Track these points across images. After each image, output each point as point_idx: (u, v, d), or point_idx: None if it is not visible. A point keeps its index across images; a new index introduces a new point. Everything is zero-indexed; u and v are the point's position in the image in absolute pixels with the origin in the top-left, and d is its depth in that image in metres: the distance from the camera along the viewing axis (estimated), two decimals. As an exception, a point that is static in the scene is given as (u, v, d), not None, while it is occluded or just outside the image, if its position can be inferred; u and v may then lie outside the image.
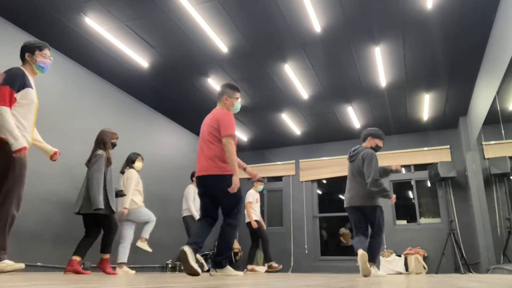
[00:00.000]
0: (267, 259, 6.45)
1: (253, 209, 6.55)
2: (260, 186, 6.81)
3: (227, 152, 3.29)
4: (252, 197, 6.62)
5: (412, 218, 8.09)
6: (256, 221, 6.46)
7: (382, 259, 7.31)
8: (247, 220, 6.55)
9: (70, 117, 5.28)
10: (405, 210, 8.31)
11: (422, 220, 7.98)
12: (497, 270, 5.74)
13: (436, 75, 6.06)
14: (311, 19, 4.75)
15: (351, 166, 4.42)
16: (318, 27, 4.87)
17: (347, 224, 10.12)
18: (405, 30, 4.95)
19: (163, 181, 7.01)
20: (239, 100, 3.68)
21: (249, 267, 6.47)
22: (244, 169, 3.75)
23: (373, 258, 4.23)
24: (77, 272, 3.83)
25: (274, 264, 6.44)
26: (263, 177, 9.55)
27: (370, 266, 4.22)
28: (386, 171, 4.48)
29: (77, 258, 3.89)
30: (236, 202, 3.34)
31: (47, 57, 3.08)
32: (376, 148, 4.44)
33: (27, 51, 3.02)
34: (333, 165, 8.91)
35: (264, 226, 6.70)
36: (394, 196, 4.20)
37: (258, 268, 6.75)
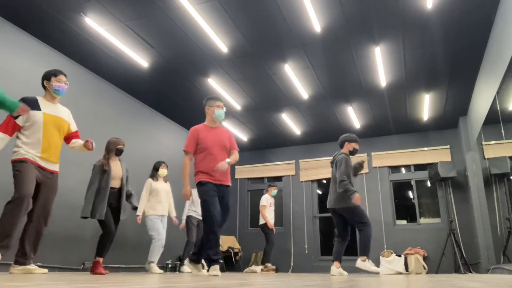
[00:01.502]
0: (265, 260, 6.74)
1: (267, 212, 6.88)
2: (274, 191, 7.15)
3: (183, 162, 3.72)
4: (266, 201, 6.98)
5: (412, 218, 8.09)
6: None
7: (382, 259, 7.32)
8: (261, 222, 6.88)
9: (70, 117, 5.28)
10: (405, 210, 8.30)
11: (422, 220, 7.98)
12: (497, 270, 5.74)
13: (436, 75, 6.06)
14: (311, 19, 4.75)
15: (332, 170, 4.81)
16: (318, 27, 4.87)
17: None
18: (405, 30, 4.95)
19: (163, 181, 7.01)
20: (222, 108, 3.87)
21: (268, 265, 6.77)
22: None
23: (365, 252, 4.42)
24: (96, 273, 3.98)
25: (270, 265, 6.75)
26: (264, 177, 9.56)
27: (364, 260, 4.41)
28: (359, 166, 4.73)
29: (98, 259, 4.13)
30: (202, 207, 3.59)
31: (62, 81, 3.47)
32: (354, 152, 4.81)
33: (45, 79, 3.46)
34: (333, 165, 8.90)
35: (274, 231, 6.98)
36: (357, 195, 4.45)
37: (255, 267, 6.80)
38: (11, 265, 3.22)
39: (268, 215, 6.86)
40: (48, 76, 3.45)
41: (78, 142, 3.70)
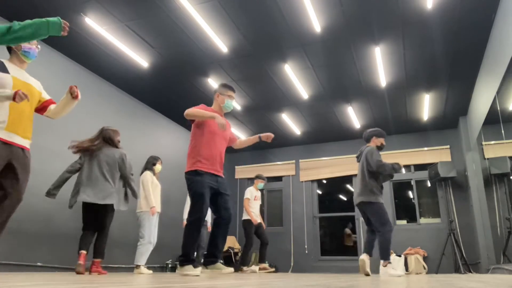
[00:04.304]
0: (261, 260, 6.44)
1: (250, 207, 6.41)
2: (261, 184, 6.64)
3: (191, 112, 3.36)
4: (250, 194, 6.49)
5: (412, 218, 8.09)
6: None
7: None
8: (244, 217, 6.41)
9: (70, 117, 5.28)
10: (405, 210, 8.30)
11: (422, 220, 7.97)
12: (497, 270, 5.74)
13: (436, 75, 6.06)
14: (311, 19, 4.75)
15: (359, 165, 4.64)
16: (318, 27, 4.87)
17: (349, 224, 10.08)
18: (405, 30, 4.95)
19: (163, 181, 6.99)
20: (233, 99, 3.69)
21: (261, 265, 6.44)
22: (259, 138, 3.74)
23: (383, 256, 4.24)
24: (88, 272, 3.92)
25: (267, 266, 6.48)
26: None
27: (386, 266, 4.22)
28: (394, 169, 4.39)
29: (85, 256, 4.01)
30: (193, 199, 3.35)
31: (33, 43, 2.97)
32: (381, 147, 4.63)
33: None
34: (333, 165, 8.91)
35: (264, 227, 6.57)
36: (400, 163, 4.33)
37: (255, 267, 6.73)
38: None
39: (251, 210, 6.34)
40: None
41: (57, 104, 3.18)
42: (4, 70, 2.81)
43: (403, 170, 4.46)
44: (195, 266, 3.35)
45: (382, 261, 4.25)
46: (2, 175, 2.76)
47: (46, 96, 3.16)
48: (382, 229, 4.23)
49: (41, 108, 3.15)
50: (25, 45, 2.91)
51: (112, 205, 4.12)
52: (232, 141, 3.81)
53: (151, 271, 5.12)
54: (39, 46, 3.06)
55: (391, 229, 4.24)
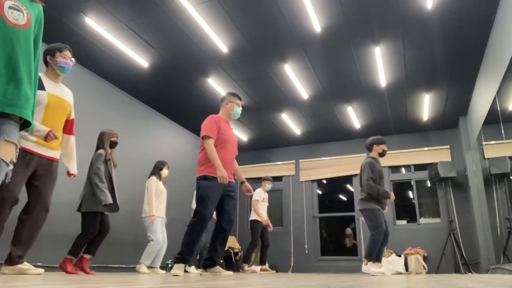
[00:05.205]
0: (262, 262, 6.54)
1: (259, 208, 6.51)
2: (269, 185, 6.78)
3: (207, 152, 3.49)
4: (259, 196, 6.60)
5: (412, 218, 8.09)
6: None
7: (382, 259, 7.31)
8: (252, 218, 6.49)
9: (70, 117, 5.28)
10: (405, 210, 8.31)
11: (422, 220, 7.97)
12: (497, 270, 5.74)
13: (436, 75, 6.06)
14: (311, 19, 4.75)
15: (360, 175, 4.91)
16: (318, 27, 4.87)
17: (351, 224, 10.09)
18: (405, 30, 4.95)
19: (163, 181, 7.00)
20: (240, 107, 3.86)
21: (262, 267, 6.51)
22: (242, 183, 3.86)
23: (369, 256, 4.51)
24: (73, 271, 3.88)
25: (268, 268, 6.56)
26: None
27: (366, 264, 4.49)
28: (378, 194, 4.63)
29: (86, 256, 4.04)
30: (198, 202, 3.45)
31: (68, 57, 3.17)
32: (383, 153, 4.80)
33: (48, 54, 3.13)
34: (333, 165, 8.91)
35: (271, 228, 6.66)
36: (392, 194, 4.58)
37: (255, 267, 6.74)
38: (2, 264, 2.92)
39: (259, 211, 6.47)
40: (52, 51, 3.13)
41: (70, 156, 3.36)
42: (41, 86, 2.97)
43: (392, 197, 4.65)
44: (190, 265, 3.41)
45: (364, 259, 4.56)
46: (28, 187, 2.93)
47: (72, 115, 3.31)
48: (373, 232, 4.52)
49: (64, 125, 3.27)
50: (61, 60, 3.13)
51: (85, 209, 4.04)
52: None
53: (149, 271, 5.13)
54: (73, 59, 3.23)
55: (381, 232, 4.51)
